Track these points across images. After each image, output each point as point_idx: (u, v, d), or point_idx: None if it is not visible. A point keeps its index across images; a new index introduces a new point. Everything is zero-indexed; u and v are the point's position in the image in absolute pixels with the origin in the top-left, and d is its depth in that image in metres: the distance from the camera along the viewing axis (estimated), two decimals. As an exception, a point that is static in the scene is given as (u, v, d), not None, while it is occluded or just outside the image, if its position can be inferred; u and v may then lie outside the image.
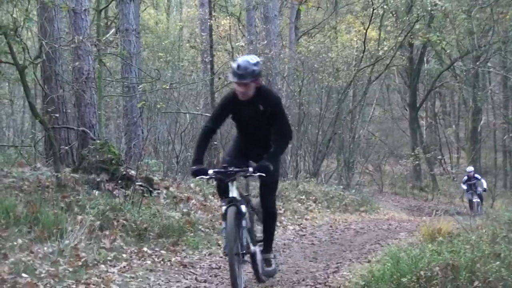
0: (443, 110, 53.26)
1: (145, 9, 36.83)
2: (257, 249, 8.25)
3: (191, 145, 19.69)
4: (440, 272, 7.29)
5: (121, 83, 19.27)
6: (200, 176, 7.69)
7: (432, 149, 41.38)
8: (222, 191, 7.85)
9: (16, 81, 14.68)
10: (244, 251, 7.63)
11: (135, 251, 9.85)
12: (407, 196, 35.58)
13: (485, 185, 27.06)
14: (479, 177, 27.28)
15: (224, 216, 7.43)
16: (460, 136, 46.62)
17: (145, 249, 10.01)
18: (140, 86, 17.53)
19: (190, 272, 9.42)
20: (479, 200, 26.31)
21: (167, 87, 17.65)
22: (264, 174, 7.54)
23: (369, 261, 10.13)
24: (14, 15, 12.46)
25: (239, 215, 7.44)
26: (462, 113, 47.00)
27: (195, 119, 20.19)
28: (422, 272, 7.39)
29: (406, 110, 43.97)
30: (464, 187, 27.05)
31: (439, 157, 41.45)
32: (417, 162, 36.85)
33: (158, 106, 17.51)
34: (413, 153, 36.14)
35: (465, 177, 27.28)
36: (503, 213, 12.58)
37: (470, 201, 26.80)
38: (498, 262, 7.38)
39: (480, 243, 8.27)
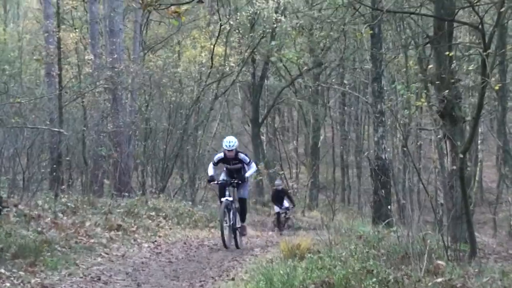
0: (282, 125, 54.51)
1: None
2: None
3: (37, 161, 19.03)
4: (316, 289, 7.43)
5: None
6: None
7: (274, 164, 42.01)
8: None
9: None
10: None
11: (-8, 273, 9.40)
12: (250, 211, 35.83)
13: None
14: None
15: None
16: (300, 152, 47.84)
17: (2, 270, 9.57)
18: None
19: (53, 294, 9.11)
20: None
21: (21, 101, 16.96)
22: None
23: (233, 279, 10.14)
24: None
25: None
26: (301, 129, 48.21)
27: (42, 134, 19.54)
28: (297, 290, 7.51)
29: (249, 126, 44.50)
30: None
31: (281, 172, 42.15)
32: (260, 177, 37.29)
33: (13, 120, 16.74)
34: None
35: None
36: (357, 228, 13.08)
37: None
38: (374, 279, 7.60)
39: (349, 259, 8.49)
